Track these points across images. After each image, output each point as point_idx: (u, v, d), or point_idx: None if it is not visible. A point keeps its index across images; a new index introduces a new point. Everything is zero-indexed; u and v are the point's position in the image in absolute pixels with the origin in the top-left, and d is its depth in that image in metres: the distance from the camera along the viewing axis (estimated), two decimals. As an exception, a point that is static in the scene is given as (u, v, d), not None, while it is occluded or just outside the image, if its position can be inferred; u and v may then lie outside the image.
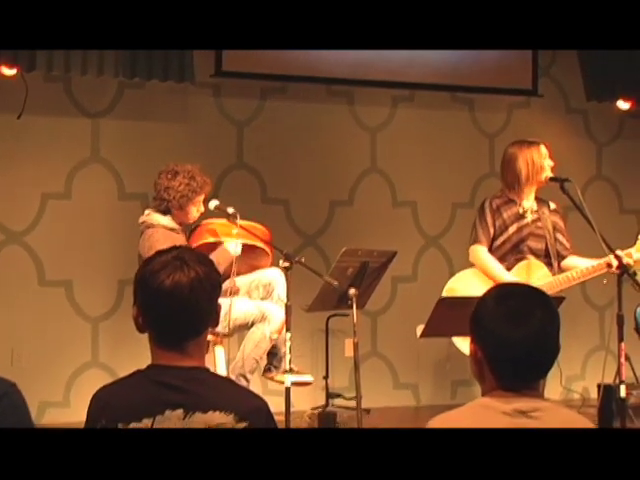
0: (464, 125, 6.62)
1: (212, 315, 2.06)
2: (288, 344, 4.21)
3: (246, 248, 4.67)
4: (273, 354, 4.81)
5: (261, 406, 2.03)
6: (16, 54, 5.38)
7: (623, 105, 6.53)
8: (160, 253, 2.07)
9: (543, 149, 4.41)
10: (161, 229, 4.61)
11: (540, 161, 4.38)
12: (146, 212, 4.74)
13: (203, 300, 2.01)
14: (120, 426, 1.98)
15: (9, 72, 5.45)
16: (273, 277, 4.79)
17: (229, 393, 2.04)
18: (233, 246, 4.57)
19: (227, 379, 2.40)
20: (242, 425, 1.96)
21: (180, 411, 1.97)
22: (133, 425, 1.98)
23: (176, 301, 1.98)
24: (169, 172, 4.66)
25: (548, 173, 4.37)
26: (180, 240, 4.64)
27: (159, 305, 2.00)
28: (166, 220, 4.65)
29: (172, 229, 4.64)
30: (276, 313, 4.61)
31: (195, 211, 4.68)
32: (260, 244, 4.72)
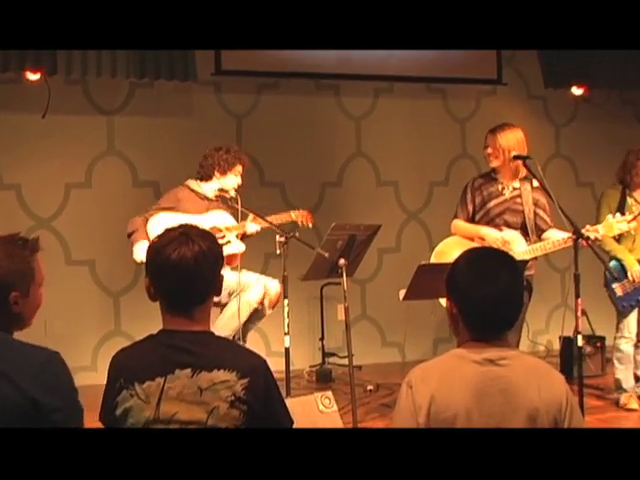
0: (438, 112, 6.59)
1: (215, 284, 2.05)
2: (286, 309, 4.19)
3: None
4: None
5: (260, 364, 2.02)
6: (39, 60, 5.35)
7: (577, 91, 6.53)
8: (168, 230, 2.06)
9: (486, 138, 4.34)
10: (186, 189, 4.67)
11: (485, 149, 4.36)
12: None
13: (206, 271, 2.00)
14: (136, 384, 1.97)
15: (33, 77, 5.42)
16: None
17: (231, 353, 2.03)
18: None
19: (230, 341, 2.40)
20: (244, 381, 1.95)
21: (188, 370, 1.96)
22: (147, 383, 1.97)
23: (182, 272, 1.97)
24: (215, 147, 4.74)
25: (489, 161, 4.31)
26: (199, 203, 4.64)
27: (167, 276, 1.99)
28: (197, 185, 4.68)
29: (197, 193, 4.64)
30: (255, 285, 4.59)
31: (234, 179, 4.69)
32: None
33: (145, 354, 2.02)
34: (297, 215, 4.84)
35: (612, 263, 4.69)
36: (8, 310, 2.02)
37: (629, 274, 4.68)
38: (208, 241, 2.02)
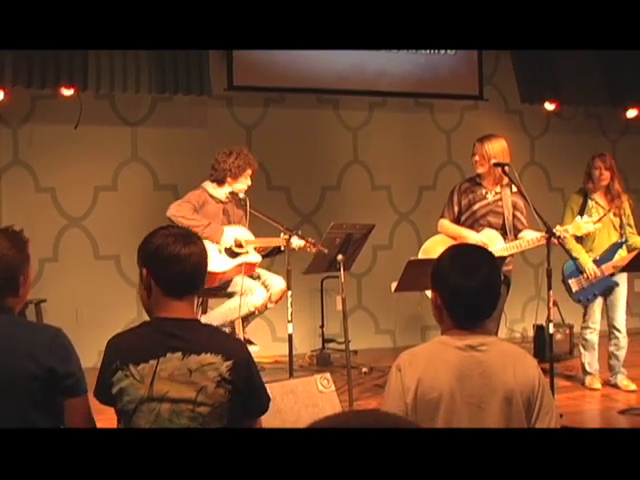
0: (426, 124, 6.55)
1: (204, 280, 2.09)
2: (289, 300, 4.15)
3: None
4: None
5: (242, 348, 2.05)
6: (72, 78, 5.35)
7: (549, 106, 6.53)
8: (168, 229, 2.07)
9: (474, 147, 4.28)
10: (205, 193, 4.59)
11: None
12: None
13: (203, 266, 2.03)
14: (131, 366, 1.96)
15: (67, 92, 5.44)
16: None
17: (217, 339, 2.04)
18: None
19: (215, 328, 2.41)
20: (228, 363, 1.95)
21: (179, 354, 1.95)
22: (142, 365, 1.95)
23: (188, 264, 1.98)
24: (226, 152, 4.63)
25: (475, 167, 4.25)
26: (214, 207, 4.58)
27: (175, 267, 1.99)
28: (213, 188, 4.61)
29: (213, 197, 4.59)
30: (258, 290, 4.52)
31: (244, 182, 4.61)
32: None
33: (140, 339, 2.01)
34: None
35: (568, 262, 4.65)
36: (16, 293, 2.06)
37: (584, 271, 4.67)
38: (201, 242, 2.06)
